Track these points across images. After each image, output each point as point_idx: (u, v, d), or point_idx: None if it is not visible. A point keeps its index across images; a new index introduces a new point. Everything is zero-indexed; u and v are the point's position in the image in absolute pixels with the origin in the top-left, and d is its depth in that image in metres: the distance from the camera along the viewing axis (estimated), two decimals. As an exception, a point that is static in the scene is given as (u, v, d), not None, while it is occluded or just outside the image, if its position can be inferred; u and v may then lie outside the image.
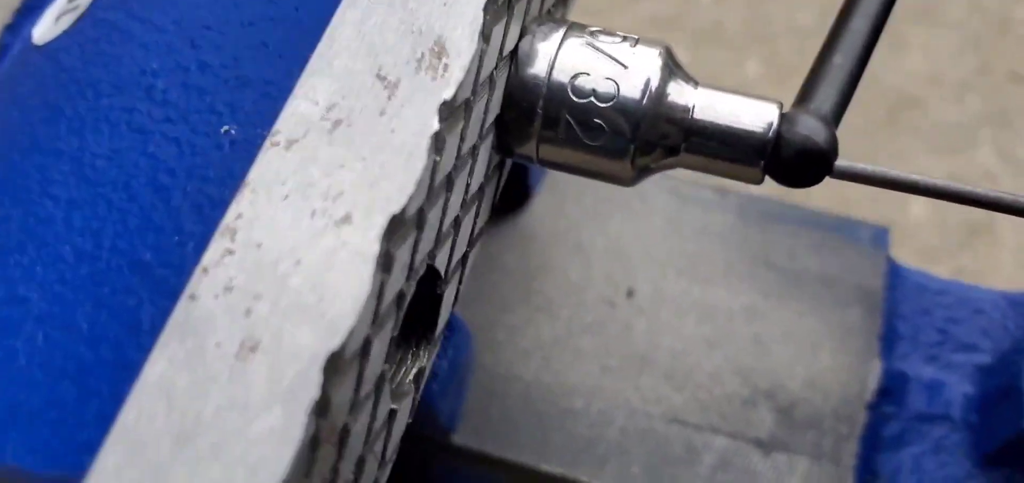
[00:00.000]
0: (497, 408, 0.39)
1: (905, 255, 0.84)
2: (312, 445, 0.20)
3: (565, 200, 0.44)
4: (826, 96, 0.28)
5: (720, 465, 0.38)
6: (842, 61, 0.28)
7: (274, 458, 0.19)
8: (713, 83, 0.28)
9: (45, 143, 0.26)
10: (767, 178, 0.27)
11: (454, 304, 0.28)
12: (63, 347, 0.22)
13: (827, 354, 0.40)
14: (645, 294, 0.41)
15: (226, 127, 0.25)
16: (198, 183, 0.24)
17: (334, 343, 0.20)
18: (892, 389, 0.40)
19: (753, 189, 0.47)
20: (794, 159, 0.27)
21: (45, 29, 0.31)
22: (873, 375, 0.40)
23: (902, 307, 0.42)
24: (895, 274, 0.43)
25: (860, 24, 0.30)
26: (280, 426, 0.19)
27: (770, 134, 0.27)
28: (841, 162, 0.27)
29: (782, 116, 0.27)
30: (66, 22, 0.31)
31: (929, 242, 0.85)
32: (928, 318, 0.43)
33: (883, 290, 0.42)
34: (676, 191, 0.43)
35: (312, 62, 0.24)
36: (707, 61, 1.06)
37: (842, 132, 0.28)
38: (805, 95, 0.28)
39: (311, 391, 0.20)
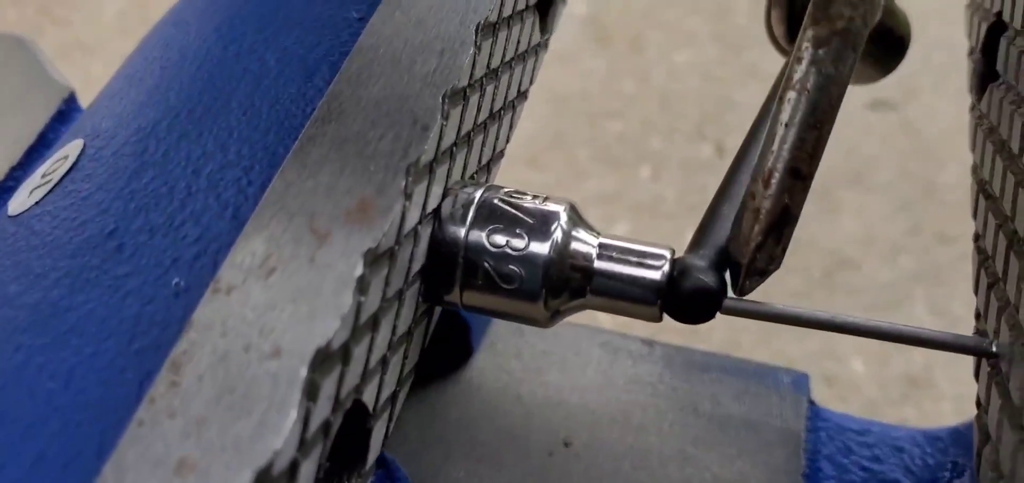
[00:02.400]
0: (441, 556, 0.41)
1: (849, 410, 0.86)
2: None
3: (505, 357, 0.47)
4: (714, 242, 0.31)
5: None
6: (729, 211, 0.32)
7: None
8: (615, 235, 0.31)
9: (14, 297, 0.29)
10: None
11: (384, 442, 0.31)
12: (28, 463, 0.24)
13: (754, 494, 0.42)
14: (582, 442, 0.44)
15: (176, 280, 0.28)
16: (149, 327, 0.27)
17: (261, 462, 0.23)
18: (818, 525, 0.42)
19: (677, 340, 0.49)
20: (687, 298, 0.30)
21: (20, 202, 0.35)
22: (799, 512, 0.42)
23: (825, 448, 0.45)
24: (817, 417, 0.45)
25: (745, 177, 0.34)
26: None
27: (664, 278, 0.30)
28: (729, 300, 0.30)
29: (673, 261, 0.30)
30: (38, 195, 0.34)
31: (871, 395, 0.88)
32: (852, 457, 0.45)
33: (805, 432, 0.44)
34: (607, 344, 0.46)
35: (250, 223, 0.27)
36: (648, 233, 1.13)
37: (780, 294, 0.31)
38: (696, 242, 0.31)
39: None
